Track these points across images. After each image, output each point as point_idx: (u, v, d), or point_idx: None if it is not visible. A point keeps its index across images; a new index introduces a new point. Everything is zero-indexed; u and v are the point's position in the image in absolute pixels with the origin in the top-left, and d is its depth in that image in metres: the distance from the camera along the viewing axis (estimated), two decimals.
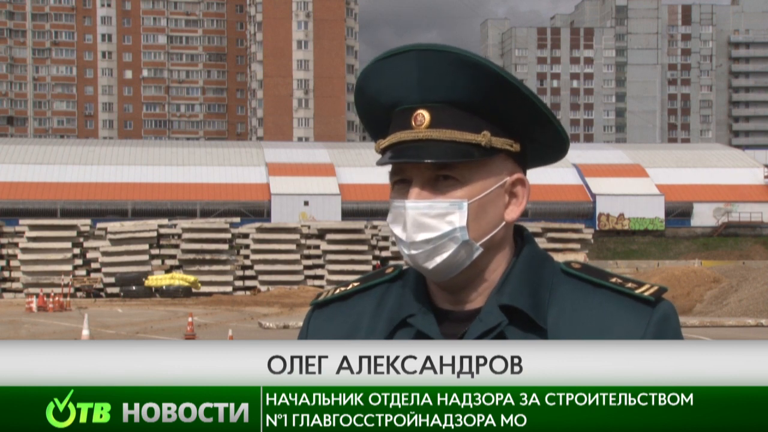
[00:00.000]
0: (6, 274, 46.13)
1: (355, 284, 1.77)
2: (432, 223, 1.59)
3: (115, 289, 44.09)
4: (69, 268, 45.21)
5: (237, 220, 51.30)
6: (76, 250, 45.97)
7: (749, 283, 31.61)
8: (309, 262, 47.13)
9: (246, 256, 46.92)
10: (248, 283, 46.59)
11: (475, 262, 1.62)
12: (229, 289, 45.69)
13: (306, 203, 65.80)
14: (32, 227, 46.23)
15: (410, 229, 1.59)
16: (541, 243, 57.33)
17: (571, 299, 1.62)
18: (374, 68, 1.63)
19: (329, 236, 47.14)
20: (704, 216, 72.30)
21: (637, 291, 1.62)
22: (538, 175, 70.60)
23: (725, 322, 26.43)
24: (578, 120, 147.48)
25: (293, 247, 46.80)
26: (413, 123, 1.60)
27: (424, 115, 1.60)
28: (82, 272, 45.85)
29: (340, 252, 46.70)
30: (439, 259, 1.59)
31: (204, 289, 44.17)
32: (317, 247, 47.28)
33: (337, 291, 1.77)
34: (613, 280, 1.64)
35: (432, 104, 1.60)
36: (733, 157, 77.36)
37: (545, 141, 1.67)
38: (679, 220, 72.17)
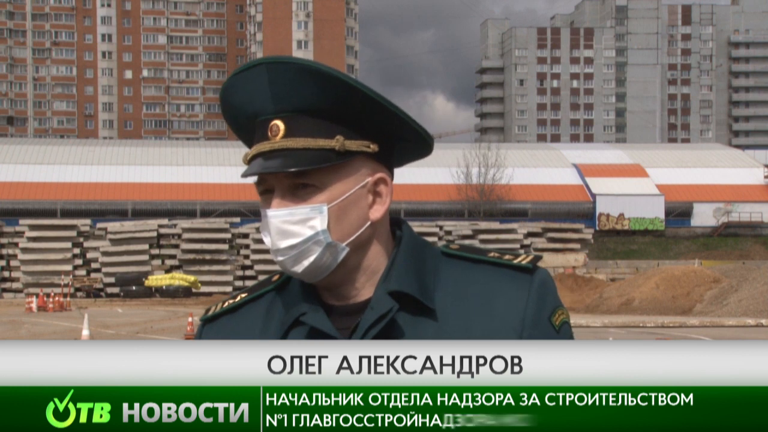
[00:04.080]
0: (6, 274, 46.15)
1: (243, 295, 1.80)
2: (294, 230, 1.63)
3: (115, 289, 44.10)
4: (69, 268, 45.23)
5: (237, 220, 51.33)
6: (76, 250, 45.99)
7: (749, 283, 31.62)
8: None
9: (246, 256, 46.92)
10: (248, 283, 46.54)
11: (344, 261, 1.66)
12: (229, 289, 45.70)
13: None
14: (32, 227, 46.23)
15: (274, 236, 1.63)
16: (542, 243, 57.34)
17: (455, 278, 1.69)
18: (231, 83, 1.68)
19: None
20: (704, 216, 72.31)
21: (515, 261, 1.69)
22: (538, 175, 70.66)
23: (725, 322, 26.45)
24: (578, 120, 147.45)
25: None
26: (269, 134, 1.65)
27: (278, 126, 1.65)
28: (82, 272, 45.86)
29: None
30: (306, 263, 1.63)
31: (204, 289, 44.18)
32: None
33: (226, 304, 1.80)
34: (491, 254, 1.71)
35: (286, 114, 1.65)
36: (733, 157, 77.37)
37: (409, 138, 1.71)
38: (679, 220, 72.18)
